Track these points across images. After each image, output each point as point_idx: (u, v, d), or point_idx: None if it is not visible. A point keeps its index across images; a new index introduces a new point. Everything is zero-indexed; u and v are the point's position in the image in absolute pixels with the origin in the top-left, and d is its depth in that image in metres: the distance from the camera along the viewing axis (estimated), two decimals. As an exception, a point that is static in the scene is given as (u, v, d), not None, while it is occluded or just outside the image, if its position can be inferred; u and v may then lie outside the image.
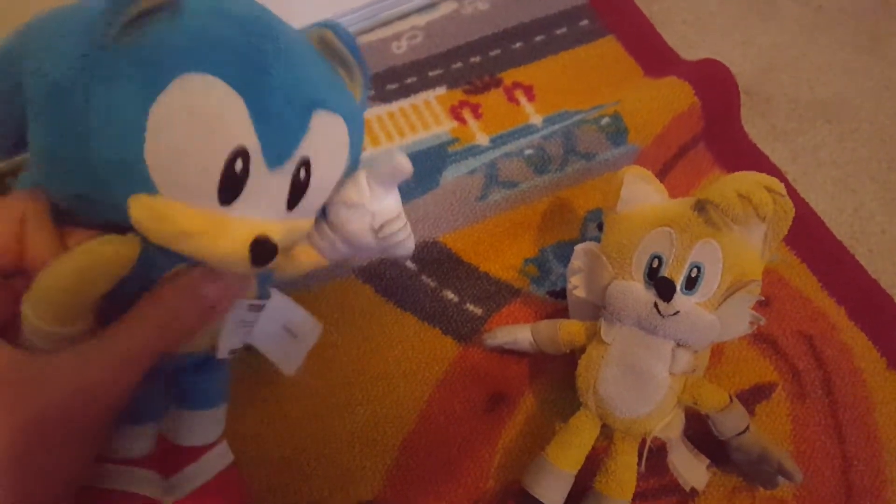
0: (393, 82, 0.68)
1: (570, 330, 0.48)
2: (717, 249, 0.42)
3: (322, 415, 0.50)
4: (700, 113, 0.62)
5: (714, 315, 0.42)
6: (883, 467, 0.49)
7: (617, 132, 0.60)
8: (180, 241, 0.30)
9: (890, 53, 0.71)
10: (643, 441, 0.44)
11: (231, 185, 0.30)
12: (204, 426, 0.39)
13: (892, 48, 0.71)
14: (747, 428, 0.45)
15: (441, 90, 0.68)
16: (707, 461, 0.46)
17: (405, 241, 0.38)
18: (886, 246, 0.58)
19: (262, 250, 0.31)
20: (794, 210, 0.43)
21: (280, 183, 0.32)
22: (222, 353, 0.37)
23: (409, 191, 0.59)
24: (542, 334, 0.49)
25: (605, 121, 0.60)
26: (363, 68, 0.36)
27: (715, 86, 0.63)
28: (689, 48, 0.70)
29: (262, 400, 0.49)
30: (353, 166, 0.36)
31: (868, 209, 0.61)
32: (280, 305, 0.39)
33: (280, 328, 0.40)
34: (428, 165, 0.63)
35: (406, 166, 0.35)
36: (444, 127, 0.65)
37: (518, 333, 0.50)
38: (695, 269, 0.42)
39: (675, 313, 0.42)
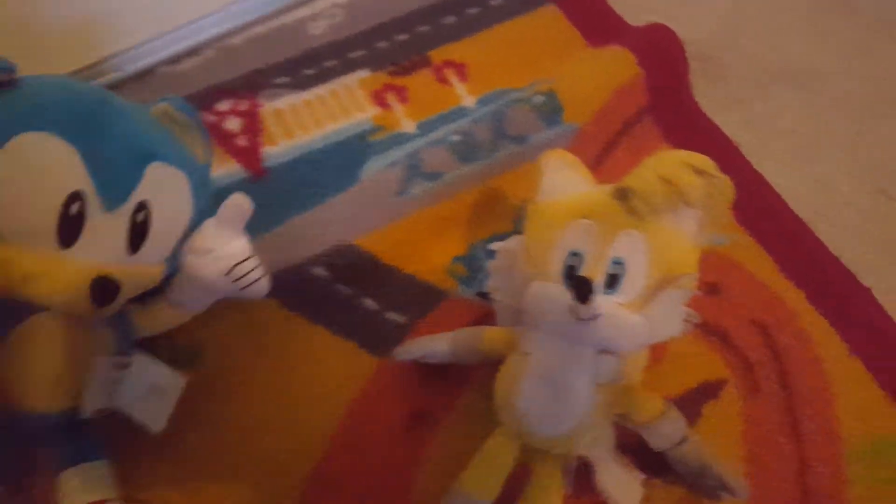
0: (309, 67, 0.66)
1: (492, 338, 0.46)
2: (641, 241, 0.40)
3: (223, 448, 0.49)
4: (644, 84, 0.60)
5: (640, 316, 0.40)
6: (843, 467, 0.48)
7: (551, 111, 0.58)
8: (25, 285, 0.35)
9: (864, 14, 0.68)
10: (568, 461, 0.43)
11: (69, 228, 0.36)
12: (81, 484, 0.41)
13: (867, 8, 0.69)
14: (685, 438, 0.43)
15: (363, 73, 0.66)
16: (641, 476, 0.45)
17: (259, 282, 0.42)
18: (851, 220, 0.57)
19: (103, 289, 0.37)
20: (732, 189, 0.41)
21: (118, 225, 0.37)
22: (88, 412, 0.40)
23: (324, 188, 0.58)
24: (462, 344, 0.47)
25: (538, 99, 0.58)
26: (203, 131, 0.45)
27: (660, 53, 0.61)
28: (640, 14, 0.68)
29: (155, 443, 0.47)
30: (200, 218, 0.41)
31: (832, 181, 0.59)
32: (144, 363, 0.44)
33: (145, 386, 0.43)
34: (347, 159, 0.61)
35: (244, 206, 0.41)
36: (365, 114, 0.64)
37: (434, 345, 0.48)
38: (616, 266, 0.40)
39: (594, 316, 0.39)
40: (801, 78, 0.64)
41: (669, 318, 0.41)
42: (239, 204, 0.42)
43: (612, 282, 0.40)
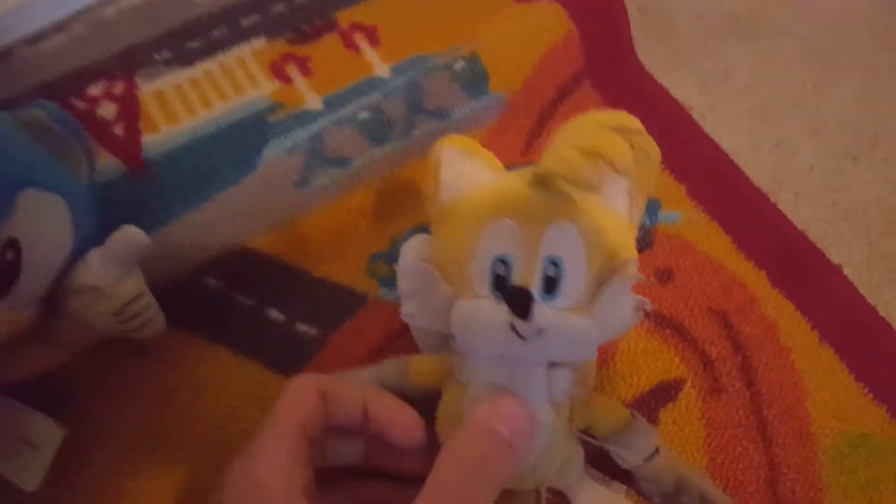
0: (194, 38, 0.58)
1: (420, 370, 0.40)
2: (574, 232, 0.34)
3: (104, 498, 0.43)
4: (579, 43, 0.54)
5: (588, 318, 0.35)
6: (819, 471, 0.43)
7: (474, 79, 0.51)
8: None
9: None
10: (538, 494, 0.37)
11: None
12: None
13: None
14: (657, 450, 0.38)
15: (259, 42, 0.59)
16: (624, 487, 0.40)
17: (153, 322, 0.39)
18: (815, 187, 0.52)
19: None
20: (658, 150, 0.37)
21: None
22: None
23: (216, 181, 0.50)
24: (390, 381, 0.40)
25: (459, 65, 0.52)
26: (84, 144, 0.39)
27: (595, 5, 0.55)
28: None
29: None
30: (82, 248, 0.36)
31: (792, 143, 0.54)
32: (12, 414, 0.40)
33: (15, 440, 0.39)
34: (242, 144, 0.53)
35: (140, 240, 0.36)
36: (262, 90, 0.56)
37: (359, 380, 0.42)
38: (551, 266, 0.34)
39: (538, 331, 0.34)
40: (753, 30, 0.59)
41: (619, 312, 0.36)
42: (130, 237, 0.37)
43: (550, 285, 0.34)
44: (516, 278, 0.34)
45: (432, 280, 0.37)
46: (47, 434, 0.40)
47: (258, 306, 0.48)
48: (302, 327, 0.47)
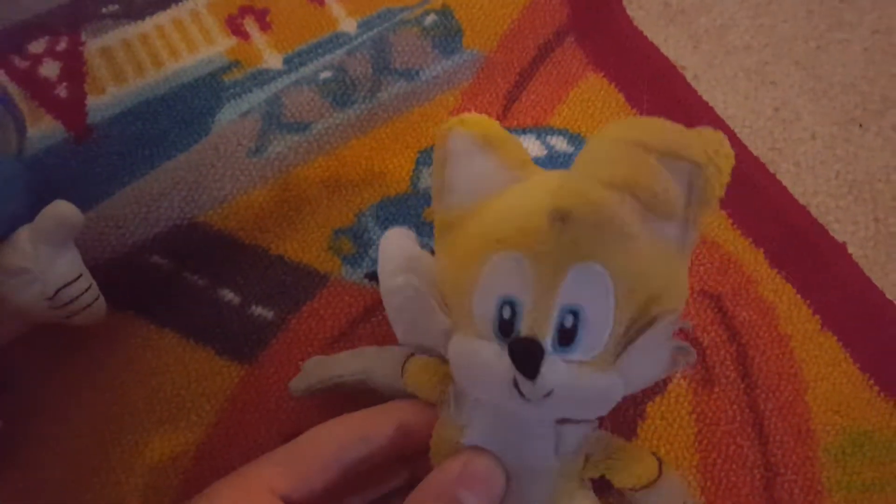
0: (143, -10, 0.52)
1: (418, 379, 0.33)
2: (603, 277, 0.26)
3: (51, 490, 0.38)
4: (563, -5, 0.48)
5: (610, 374, 0.27)
6: (818, 473, 0.39)
7: (447, 34, 0.46)
8: None
9: None
10: None
11: None
12: None
13: None
14: None
15: (214, -6, 0.52)
16: None
17: (92, 307, 0.36)
18: (818, 157, 0.47)
19: None
20: (731, 160, 0.29)
21: None
22: None
23: (165, 148, 0.45)
24: (380, 379, 0.34)
25: (429, 19, 0.46)
26: (13, 111, 0.37)
27: (582, -45, 0.48)
28: None
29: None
30: (11, 225, 0.34)
31: (792, 108, 0.49)
32: None
33: None
34: (196, 107, 0.49)
35: (73, 216, 0.33)
36: (217, 47, 0.51)
37: (342, 369, 0.36)
38: (569, 317, 0.27)
39: (547, 394, 0.27)
40: (752, -20, 0.52)
41: (652, 365, 0.29)
42: (61, 213, 0.33)
43: (566, 338, 0.27)
44: (524, 327, 0.27)
45: (427, 307, 0.31)
46: None
47: (210, 287, 0.43)
48: (258, 310, 0.43)
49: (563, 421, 0.29)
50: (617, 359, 0.27)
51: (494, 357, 0.27)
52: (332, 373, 0.36)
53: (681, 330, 0.30)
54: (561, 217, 0.26)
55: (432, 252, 0.33)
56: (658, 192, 0.26)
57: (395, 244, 0.34)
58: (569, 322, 0.26)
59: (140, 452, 0.40)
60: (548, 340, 0.26)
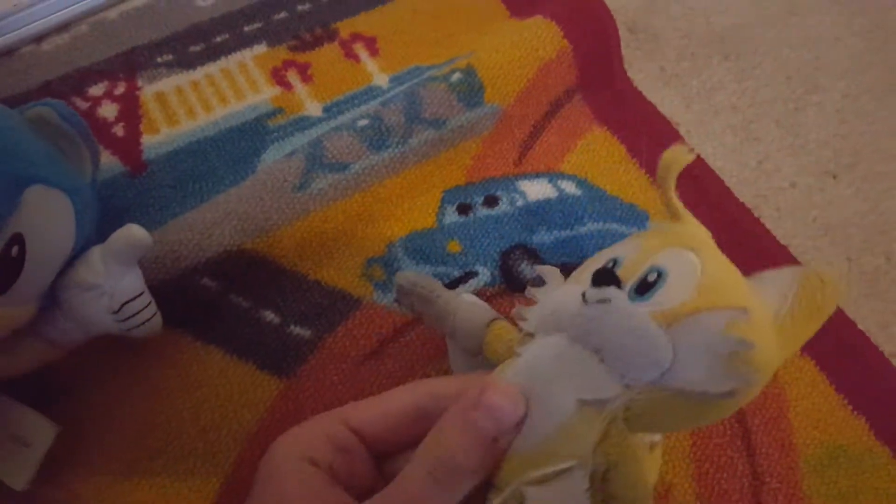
0: (197, 43, 0.56)
1: (498, 334, 0.34)
2: (694, 263, 0.28)
3: (98, 495, 0.39)
4: (572, 59, 0.52)
5: (661, 329, 0.27)
6: (800, 481, 0.41)
7: (470, 90, 0.49)
8: None
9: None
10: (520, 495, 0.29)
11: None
12: None
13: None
14: None
15: (260, 48, 0.56)
16: None
17: (150, 322, 0.37)
18: (797, 203, 0.50)
19: None
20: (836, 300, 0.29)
21: None
22: None
23: (214, 183, 0.48)
24: (466, 322, 0.36)
25: (455, 77, 0.49)
26: (90, 143, 0.37)
27: (589, 24, 0.53)
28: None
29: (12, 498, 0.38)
30: (83, 245, 0.35)
31: (774, 161, 0.52)
32: (4, 411, 0.37)
33: (6, 437, 0.37)
34: (241, 148, 0.51)
35: (143, 239, 0.35)
36: (263, 95, 0.54)
37: (441, 290, 0.37)
38: (654, 273, 0.29)
39: (602, 300, 0.28)
40: (737, 51, 0.57)
41: (700, 358, 0.27)
42: (133, 235, 0.35)
43: (643, 287, 0.28)
44: (618, 271, 0.30)
45: (555, 278, 0.33)
46: (39, 432, 0.38)
47: (253, 308, 0.45)
48: (296, 329, 0.45)
49: (601, 362, 0.29)
50: (674, 323, 0.27)
51: (577, 290, 0.29)
52: (434, 287, 0.37)
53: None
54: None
55: None
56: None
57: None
58: (652, 276, 0.28)
59: (183, 457, 0.42)
60: (628, 286, 0.28)
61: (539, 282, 0.33)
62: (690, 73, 0.57)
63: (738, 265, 0.45)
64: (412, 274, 0.38)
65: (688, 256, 0.29)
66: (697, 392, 0.26)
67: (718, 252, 0.30)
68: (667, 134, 0.53)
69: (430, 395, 0.31)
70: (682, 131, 0.54)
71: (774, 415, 0.43)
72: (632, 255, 0.30)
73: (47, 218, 0.33)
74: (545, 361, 0.30)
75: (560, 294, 0.31)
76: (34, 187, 0.32)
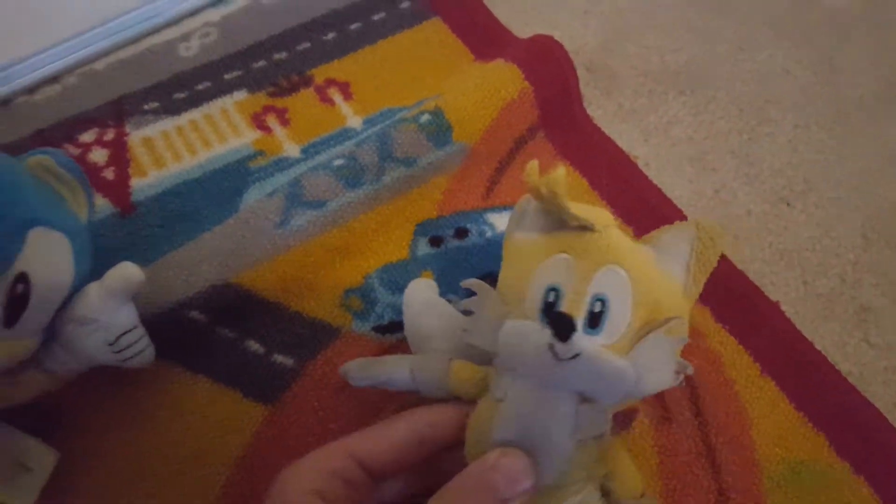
0: (180, 90, 0.58)
1: (460, 376, 0.37)
2: (624, 278, 0.33)
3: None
4: (533, 99, 0.55)
5: (625, 360, 0.32)
6: (764, 496, 0.43)
7: (439, 130, 0.51)
8: None
9: (738, 9, 0.65)
10: None
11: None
12: None
13: (741, 4, 0.65)
14: None
15: (240, 95, 0.58)
16: None
17: (144, 353, 0.39)
18: (754, 230, 0.52)
19: None
20: (722, 234, 0.37)
21: None
22: None
23: (200, 222, 0.50)
24: (427, 374, 0.38)
25: (425, 118, 0.52)
26: (85, 187, 0.39)
27: (547, 66, 0.55)
28: (525, 24, 0.63)
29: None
30: (81, 282, 0.37)
31: (730, 189, 0.54)
32: (8, 438, 0.39)
33: (10, 463, 0.38)
34: (225, 188, 0.53)
35: (137, 276, 0.37)
36: (244, 139, 0.56)
37: (393, 370, 0.39)
38: (598, 303, 0.33)
39: (574, 356, 0.32)
40: (692, 86, 0.60)
41: (658, 366, 0.34)
42: (129, 273, 0.37)
43: (594, 320, 0.33)
44: (563, 306, 0.33)
45: (490, 299, 0.36)
46: (41, 458, 0.39)
47: (239, 338, 0.47)
48: (279, 358, 0.47)
49: (582, 402, 0.33)
50: (632, 350, 0.32)
51: (537, 331, 0.32)
52: (382, 371, 0.40)
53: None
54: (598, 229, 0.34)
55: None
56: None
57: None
58: (597, 307, 0.33)
59: (173, 482, 0.43)
60: (580, 321, 0.32)
61: (469, 293, 0.37)
62: (647, 109, 0.59)
63: (701, 292, 0.47)
64: (354, 367, 0.40)
65: (617, 274, 0.33)
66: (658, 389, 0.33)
67: (630, 246, 0.35)
68: (626, 167, 0.56)
69: (428, 424, 0.34)
70: (640, 164, 0.56)
71: (737, 433, 0.45)
72: (568, 284, 0.33)
73: (49, 257, 0.35)
74: (532, 410, 0.34)
75: (512, 329, 0.34)
76: (37, 229, 0.34)
